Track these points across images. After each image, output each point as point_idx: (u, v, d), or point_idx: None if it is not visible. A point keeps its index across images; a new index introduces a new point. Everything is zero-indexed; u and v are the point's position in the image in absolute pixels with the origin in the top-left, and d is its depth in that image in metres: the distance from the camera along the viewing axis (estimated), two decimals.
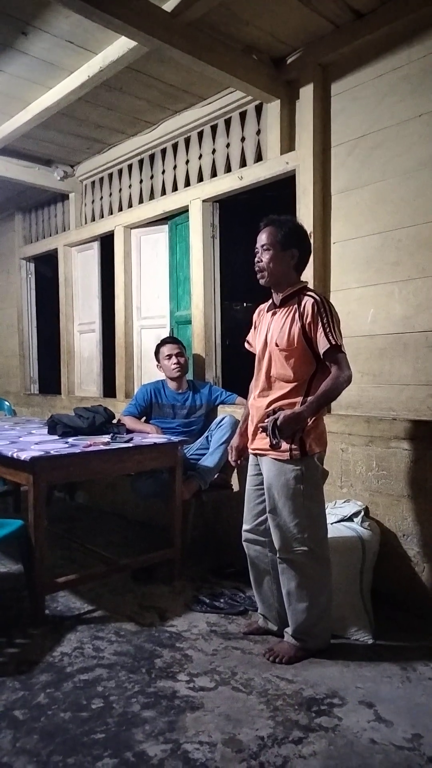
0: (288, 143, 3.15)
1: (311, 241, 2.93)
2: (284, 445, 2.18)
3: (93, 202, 4.72)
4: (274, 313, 2.32)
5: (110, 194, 4.55)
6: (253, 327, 2.47)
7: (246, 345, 2.52)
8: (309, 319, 2.17)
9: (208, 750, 1.70)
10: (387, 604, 2.61)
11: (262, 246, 2.27)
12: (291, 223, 2.30)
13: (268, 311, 2.38)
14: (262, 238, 2.27)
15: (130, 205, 4.33)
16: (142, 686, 2.04)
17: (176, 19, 2.61)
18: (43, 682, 2.06)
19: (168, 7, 2.61)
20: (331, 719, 1.85)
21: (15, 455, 2.52)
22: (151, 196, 4.14)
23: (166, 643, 2.35)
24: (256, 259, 2.29)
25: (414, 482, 2.60)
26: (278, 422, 2.11)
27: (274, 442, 2.15)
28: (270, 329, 2.30)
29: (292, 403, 2.20)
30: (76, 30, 2.79)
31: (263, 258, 2.26)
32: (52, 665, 2.18)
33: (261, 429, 2.21)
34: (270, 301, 2.38)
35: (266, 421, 2.16)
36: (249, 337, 2.49)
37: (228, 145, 3.56)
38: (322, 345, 2.14)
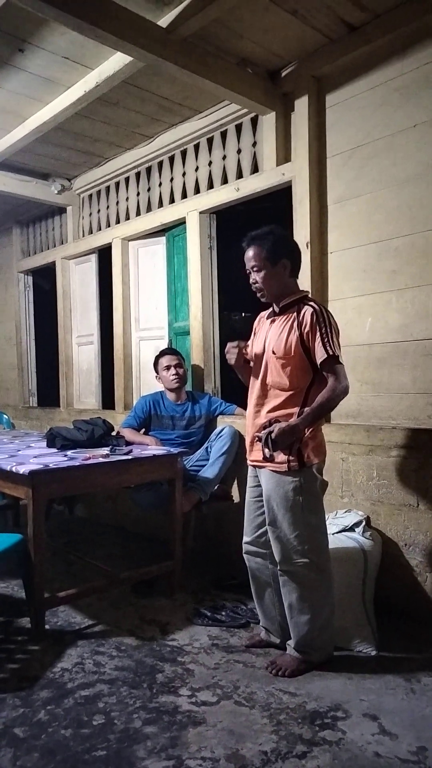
0: (284, 154, 3.17)
1: (308, 249, 2.95)
2: (282, 457, 2.17)
3: (90, 215, 4.75)
4: (273, 321, 2.32)
5: (107, 207, 4.57)
6: (253, 334, 2.47)
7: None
8: (307, 329, 2.17)
9: (210, 766, 1.68)
10: (390, 615, 2.59)
11: (253, 267, 2.25)
12: (272, 234, 2.25)
13: (267, 318, 2.38)
14: (250, 258, 2.25)
15: (127, 218, 4.36)
16: (143, 702, 2.02)
17: (171, 34, 2.64)
18: (43, 699, 2.04)
19: (163, 23, 2.64)
20: (335, 733, 1.83)
21: (14, 469, 2.51)
22: (149, 209, 4.16)
23: (167, 658, 2.33)
24: (251, 280, 2.28)
25: (415, 491, 2.59)
26: (273, 434, 2.10)
27: (267, 455, 2.14)
28: (268, 336, 2.29)
29: (289, 414, 2.19)
30: (72, 46, 2.82)
31: (258, 279, 2.25)
32: (53, 681, 2.16)
33: (257, 439, 2.20)
34: (271, 308, 2.39)
35: (261, 432, 2.16)
36: (249, 345, 2.49)
37: (224, 157, 3.59)
38: (320, 355, 2.14)
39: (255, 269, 2.25)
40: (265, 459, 2.18)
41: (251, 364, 2.38)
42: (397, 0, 2.56)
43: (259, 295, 2.31)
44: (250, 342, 2.47)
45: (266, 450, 2.13)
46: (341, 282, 2.96)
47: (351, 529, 2.56)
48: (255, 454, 2.30)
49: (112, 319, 4.44)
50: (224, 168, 3.59)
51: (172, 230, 4.00)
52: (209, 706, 1.99)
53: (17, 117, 3.55)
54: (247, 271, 2.30)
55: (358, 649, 2.35)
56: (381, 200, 2.78)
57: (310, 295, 2.36)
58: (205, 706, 1.98)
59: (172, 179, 3.97)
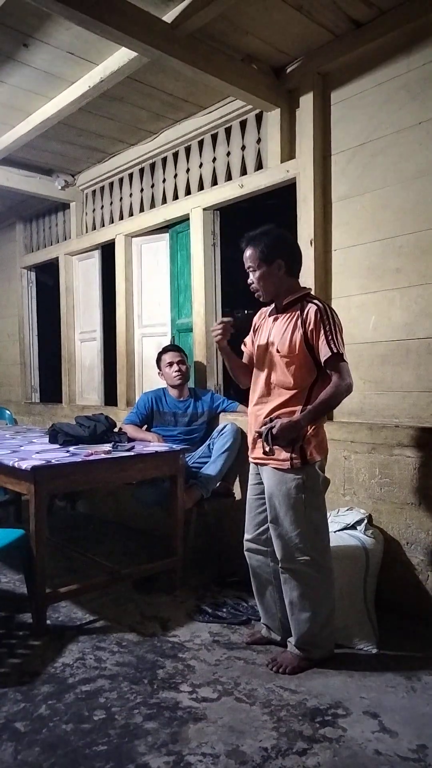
0: (288, 151, 3.16)
1: (312, 246, 2.95)
2: (284, 454, 2.17)
3: (94, 211, 4.74)
4: (275, 319, 2.31)
5: (111, 203, 4.56)
6: (252, 329, 2.46)
7: (242, 346, 2.51)
8: (311, 326, 2.16)
9: (211, 762, 1.68)
10: (391, 613, 2.59)
11: (249, 268, 2.28)
12: (267, 235, 2.25)
13: (269, 316, 2.37)
14: (246, 258, 2.28)
15: (131, 214, 4.35)
16: (144, 697, 2.02)
17: (176, 29, 2.63)
18: (44, 694, 2.05)
19: (168, 18, 2.63)
20: (335, 730, 1.83)
21: (16, 464, 2.52)
22: (152, 205, 4.15)
23: (168, 654, 2.33)
24: (249, 281, 2.30)
25: (417, 489, 2.59)
26: (274, 430, 2.10)
27: (266, 449, 2.14)
28: (271, 334, 2.29)
29: (292, 412, 2.19)
30: (76, 41, 2.81)
31: (254, 279, 2.28)
32: (54, 676, 2.16)
33: (258, 435, 2.20)
34: (272, 305, 2.38)
35: (263, 428, 2.15)
36: (246, 339, 2.48)
37: (228, 154, 3.57)
38: (324, 353, 2.13)
39: (251, 269, 2.28)
40: (265, 454, 2.18)
41: (244, 358, 2.42)
42: None
43: (256, 295, 2.33)
44: (247, 337, 2.47)
45: (265, 445, 2.13)
46: (345, 280, 2.95)
47: (353, 527, 2.56)
48: (257, 451, 2.29)
49: (115, 316, 4.44)
50: (228, 165, 3.58)
51: (176, 227, 3.99)
52: (210, 702, 1.99)
53: (21, 112, 3.54)
54: (247, 271, 2.32)
55: (358, 647, 2.35)
56: (385, 198, 2.77)
57: (312, 293, 2.36)
58: (206, 703, 1.98)
59: (176, 176, 3.96)
